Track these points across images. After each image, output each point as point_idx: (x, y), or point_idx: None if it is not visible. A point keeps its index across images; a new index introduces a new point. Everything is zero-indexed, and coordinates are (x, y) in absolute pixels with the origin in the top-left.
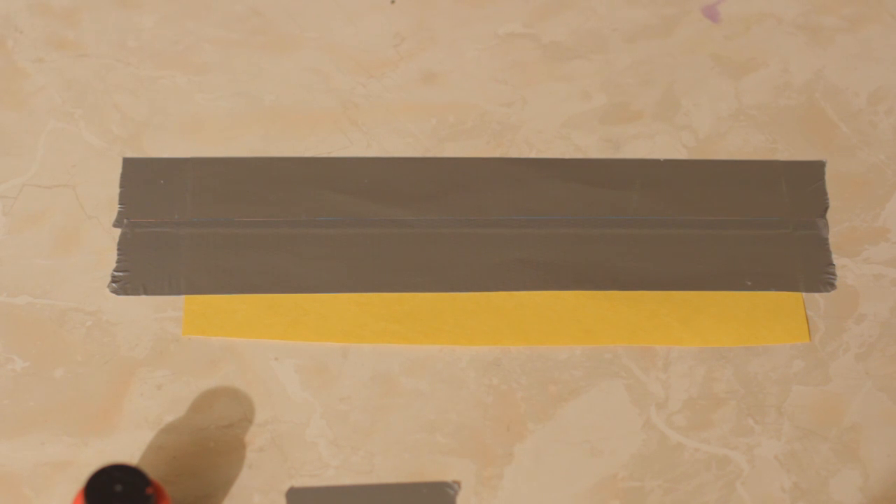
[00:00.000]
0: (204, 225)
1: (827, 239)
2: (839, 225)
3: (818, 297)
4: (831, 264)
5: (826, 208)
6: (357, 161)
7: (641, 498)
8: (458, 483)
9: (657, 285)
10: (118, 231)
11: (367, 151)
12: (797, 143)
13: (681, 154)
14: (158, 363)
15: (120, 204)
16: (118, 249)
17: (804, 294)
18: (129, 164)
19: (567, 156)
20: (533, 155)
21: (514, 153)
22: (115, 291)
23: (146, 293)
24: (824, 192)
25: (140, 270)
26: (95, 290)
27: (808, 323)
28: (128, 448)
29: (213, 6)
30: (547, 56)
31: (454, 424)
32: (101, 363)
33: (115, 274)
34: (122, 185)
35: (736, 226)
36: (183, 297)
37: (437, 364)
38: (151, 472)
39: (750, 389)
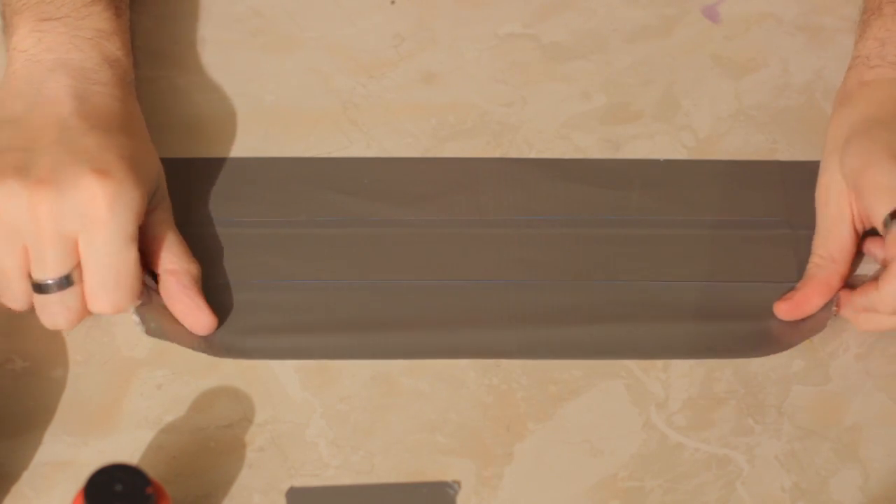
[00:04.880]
0: (204, 225)
1: None
2: None
3: None
4: None
5: None
6: (357, 161)
7: (641, 498)
8: (458, 483)
9: None
10: None
11: (367, 151)
12: (797, 143)
13: (681, 154)
14: (158, 363)
15: None
16: None
17: None
18: None
19: (567, 156)
20: (533, 155)
21: (514, 153)
22: None
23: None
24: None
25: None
26: None
27: None
28: (128, 448)
29: (213, 6)
30: (547, 56)
31: (454, 424)
32: (101, 363)
33: None
34: None
35: (736, 226)
36: None
37: (437, 364)
38: (151, 472)
39: (750, 389)
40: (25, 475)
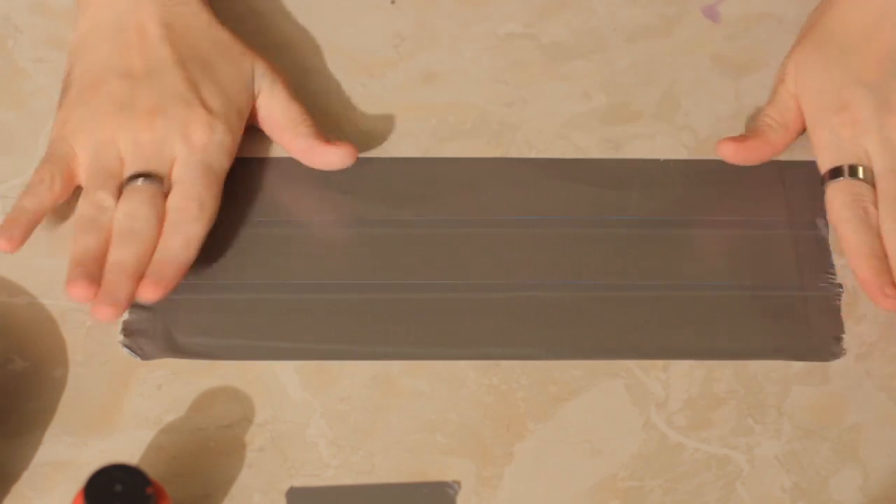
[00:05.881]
0: None
1: (827, 239)
2: None
3: None
4: (831, 264)
5: None
6: (357, 161)
7: (641, 498)
8: (458, 483)
9: None
10: None
11: (367, 151)
12: (797, 144)
13: (681, 154)
14: (158, 363)
15: None
16: None
17: None
18: None
19: (567, 156)
20: (533, 155)
21: (514, 153)
22: None
23: None
24: (824, 193)
25: None
26: None
27: None
28: (128, 448)
29: (213, 6)
30: (547, 56)
31: (454, 424)
32: (101, 363)
33: None
34: None
35: (736, 226)
36: None
37: (437, 364)
38: (151, 472)
39: (750, 389)
40: (25, 475)
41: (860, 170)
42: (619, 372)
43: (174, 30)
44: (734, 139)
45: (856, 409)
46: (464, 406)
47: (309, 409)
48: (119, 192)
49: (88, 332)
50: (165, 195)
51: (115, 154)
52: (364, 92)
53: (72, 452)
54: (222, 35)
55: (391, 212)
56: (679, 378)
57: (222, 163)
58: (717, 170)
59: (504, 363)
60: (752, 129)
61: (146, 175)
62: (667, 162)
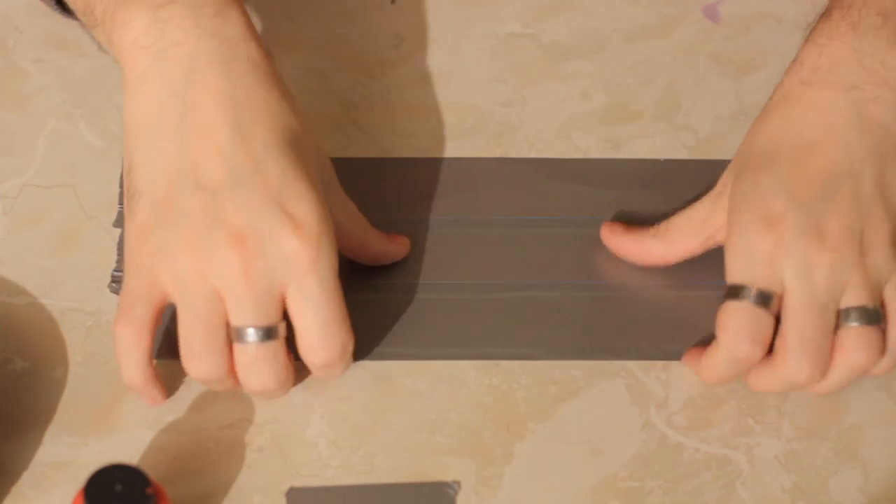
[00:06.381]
0: None
1: None
2: None
3: None
4: None
5: None
6: (357, 161)
7: (641, 498)
8: (458, 483)
9: None
10: (118, 231)
11: (367, 151)
12: None
13: (681, 154)
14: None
15: (120, 204)
16: (118, 249)
17: None
18: None
19: (567, 156)
20: (533, 155)
21: (514, 153)
22: (115, 291)
23: None
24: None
25: None
26: (95, 290)
27: None
28: (128, 448)
29: None
30: (547, 56)
31: (454, 424)
32: (101, 363)
33: (115, 274)
34: (121, 185)
35: None
36: None
37: (437, 364)
38: (151, 472)
39: (750, 389)
40: (25, 475)
41: (770, 300)
42: (619, 372)
43: (243, 108)
44: (613, 225)
45: (856, 409)
46: (464, 406)
47: (309, 409)
48: (228, 343)
49: (88, 332)
50: (284, 337)
51: (209, 294)
52: (364, 92)
53: (72, 452)
54: (291, 119)
55: (391, 212)
56: (679, 378)
57: (333, 265)
58: (717, 170)
59: (504, 363)
60: (647, 227)
61: (259, 328)
62: (667, 162)
